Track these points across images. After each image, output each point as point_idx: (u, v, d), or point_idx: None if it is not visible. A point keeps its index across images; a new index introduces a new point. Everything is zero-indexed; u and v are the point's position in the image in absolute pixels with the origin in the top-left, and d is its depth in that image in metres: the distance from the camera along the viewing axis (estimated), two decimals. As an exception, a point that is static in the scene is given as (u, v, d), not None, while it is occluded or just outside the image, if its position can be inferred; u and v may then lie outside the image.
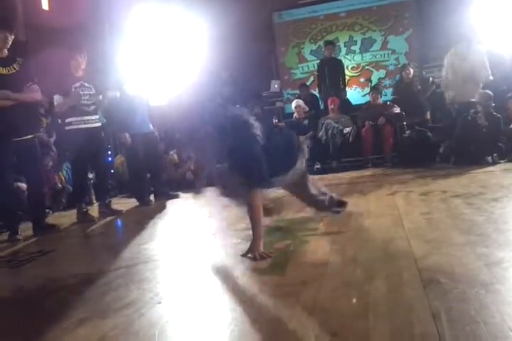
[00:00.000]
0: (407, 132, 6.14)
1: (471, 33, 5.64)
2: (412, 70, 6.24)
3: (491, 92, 5.37)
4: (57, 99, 4.23)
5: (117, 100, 4.97)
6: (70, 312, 1.71)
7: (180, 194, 5.40)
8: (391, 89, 8.20)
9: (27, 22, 6.88)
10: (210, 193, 3.00)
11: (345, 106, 7.02)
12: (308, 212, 3.25)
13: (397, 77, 7.27)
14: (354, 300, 1.44)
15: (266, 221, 2.77)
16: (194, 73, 7.28)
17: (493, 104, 5.37)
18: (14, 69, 3.60)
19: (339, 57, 7.93)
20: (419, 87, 6.55)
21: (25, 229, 3.81)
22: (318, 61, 7.95)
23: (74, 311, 1.72)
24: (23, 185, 4.09)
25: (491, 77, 5.50)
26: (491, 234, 2.08)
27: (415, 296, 1.44)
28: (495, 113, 5.33)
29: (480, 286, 1.46)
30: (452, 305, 1.34)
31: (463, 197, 3.14)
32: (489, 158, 5.11)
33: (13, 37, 3.63)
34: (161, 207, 4.71)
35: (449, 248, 1.94)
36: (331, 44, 7.39)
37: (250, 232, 2.71)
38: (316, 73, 8.02)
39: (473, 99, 5.42)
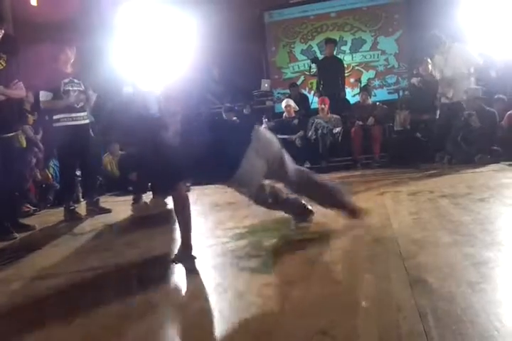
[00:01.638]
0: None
1: (445, 33, 5.65)
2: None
3: (478, 87, 5.40)
4: (43, 95, 4.17)
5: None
6: (56, 311, 1.69)
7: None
8: (380, 90, 8.27)
9: (15, 17, 6.80)
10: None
11: (343, 105, 7.03)
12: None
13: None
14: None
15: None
16: (184, 70, 7.25)
17: (484, 97, 5.40)
18: (1, 65, 3.57)
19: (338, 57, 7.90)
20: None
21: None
22: (308, 61, 7.95)
23: (60, 309, 1.70)
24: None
25: (481, 62, 5.46)
26: (477, 234, 2.10)
27: (403, 295, 1.46)
28: (488, 108, 5.37)
29: (466, 286, 1.47)
30: (439, 304, 1.35)
31: (450, 197, 3.17)
32: (477, 157, 5.15)
33: (3, 32, 3.59)
34: (149, 206, 4.70)
35: (436, 248, 1.96)
36: (332, 42, 7.35)
37: (238, 231, 2.73)
38: (306, 73, 8.04)
39: (464, 98, 5.41)
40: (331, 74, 7.05)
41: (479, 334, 1.16)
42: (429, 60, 6.01)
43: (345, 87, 7.56)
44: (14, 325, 1.62)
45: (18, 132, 3.92)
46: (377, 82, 8.43)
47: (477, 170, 4.63)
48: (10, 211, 3.80)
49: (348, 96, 7.94)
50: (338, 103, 6.85)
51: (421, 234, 2.23)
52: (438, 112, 6.00)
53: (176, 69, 7.23)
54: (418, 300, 1.39)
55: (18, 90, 3.68)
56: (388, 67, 8.38)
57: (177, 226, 2.36)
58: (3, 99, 3.50)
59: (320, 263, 1.92)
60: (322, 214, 3.00)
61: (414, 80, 6.39)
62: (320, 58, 7.42)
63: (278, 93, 8.66)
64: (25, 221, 4.04)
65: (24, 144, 5.29)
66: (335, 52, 7.66)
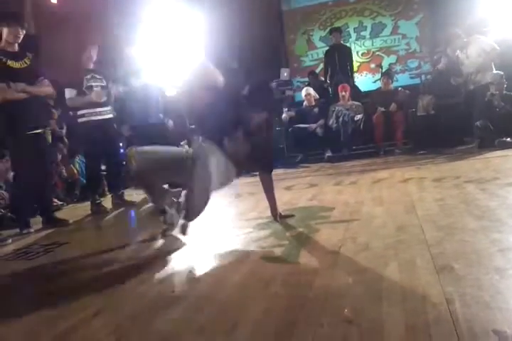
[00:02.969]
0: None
1: (463, 26, 5.56)
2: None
3: (501, 72, 5.32)
4: (68, 92, 4.24)
5: (121, 94, 4.98)
6: (85, 303, 1.73)
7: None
8: (402, 75, 8.13)
9: (36, 15, 6.90)
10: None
11: (354, 92, 6.95)
12: (320, 200, 3.27)
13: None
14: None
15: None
16: (203, 62, 7.24)
17: (506, 83, 5.32)
18: (26, 63, 3.65)
19: (348, 44, 7.83)
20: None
21: (38, 222, 3.86)
22: (327, 47, 7.87)
23: (89, 302, 1.74)
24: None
25: (498, 47, 5.39)
26: (504, 220, 2.06)
27: (429, 282, 1.44)
28: (508, 92, 5.28)
29: (494, 272, 1.45)
30: (466, 291, 1.33)
31: (476, 182, 3.11)
32: (497, 141, 5.04)
33: (24, 32, 3.66)
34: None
35: (463, 234, 1.92)
36: (336, 31, 7.29)
37: (261, 221, 2.74)
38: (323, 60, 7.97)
39: (487, 81, 5.36)
40: (339, 62, 6.99)
41: (508, 321, 1.14)
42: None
43: (360, 73, 7.49)
44: (39, 318, 1.66)
45: (46, 128, 3.99)
46: (398, 67, 8.30)
47: (503, 154, 4.52)
48: (45, 206, 3.90)
49: (369, 82, 7.86)
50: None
51: (447, 220, 2.20)
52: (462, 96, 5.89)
53: (196, 61, 7.23)
54: (444, 287, 1.38)
55: (44, 87, 3.75)
56: (410, 51, 8.24)
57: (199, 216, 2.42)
58: (25, 96, 3.57)
59: (344, 251, 1.91)
60: (344, 203, 2.99)
61: (440, 66, 6.27)
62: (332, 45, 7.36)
63: (297, 81, 8.60)
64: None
65: (50, 140, 5.40)
66: (355, 38, 7.57)
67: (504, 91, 5.32)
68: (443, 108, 6.00)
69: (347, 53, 7.19)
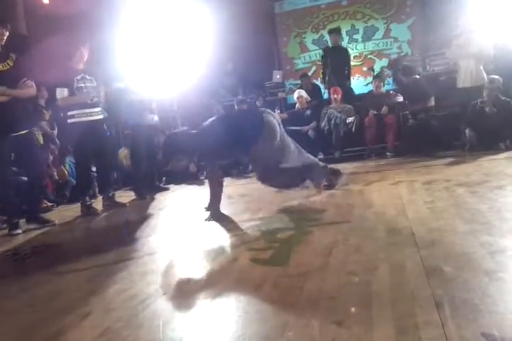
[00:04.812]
0: (410, 121, 6.09)
1: (467, 22, 5.57)
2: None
3: (499, 77, 5.32)
4: (59, 92, 4.21)
5: (121, 93, 4.98)
6: (75, 305, 1.72)
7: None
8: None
9: (27, 15, 6.86)
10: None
11: (349, 95, 6.96)
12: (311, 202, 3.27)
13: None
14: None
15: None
16: (198, 64, 7.25)
17: (500, 88, 5.31)
18: (8, 65, 3.60)
19: (343, 46, 7.83)
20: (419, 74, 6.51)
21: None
22: (320, 50, 7.87)
23: (79, 304, 1.73)
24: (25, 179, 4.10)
25: (492, 55, 5.42)
26: (494, 223, 2.07)
27: (418, 285, 1.44)
28: (503, 97, 5.27)
29: (483, 275, 1.45)
30: (455, 293, 1.34)
31: (466, 185, 3.12)
32: (502, 145, 5.06)
33: (7, 33, 3.61)
34: (164, 200, 4.72)
35: (453, 236, 1.93)
36: (335, 31, 7.29)
37: (253, 223, 2.73)
38: (318, 62, 7.98)
39: (481, 83, 5.36)
40: (336, 63, 6.98)
41: (497, 324, 1.14)
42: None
43: (352, 76, 7.49)
44: (29, 320, 1.65)
45: (33, 129, 3.95)
46: (390, 71, 8.32)
47: (494, 157, 4.56)
48: (31, 207, 3.87)
49: (361, 85, 7.87)
50: (345, 93, 6.77)
51: (437, 223, 2.21)
52: (432, 99, 5.96)
53: (190, 64, 7.23)
54: (434, 290, 1.38)
55: (26, 89, 3.70)
56: (402, 54, 8.27)
57: (190, 218, 2.40)
58: (5, 99, 3.54)
59: (335, 253, 1.91)
60: (336, 206, 3.00)
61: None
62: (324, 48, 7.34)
63: (290, 84, 8.61)
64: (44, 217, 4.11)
65: (41, 141, 5.36)
66: (347, 41, 7.57)
67: (503, 97, 5.28)
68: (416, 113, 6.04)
69: (344, 55, 7.17)
